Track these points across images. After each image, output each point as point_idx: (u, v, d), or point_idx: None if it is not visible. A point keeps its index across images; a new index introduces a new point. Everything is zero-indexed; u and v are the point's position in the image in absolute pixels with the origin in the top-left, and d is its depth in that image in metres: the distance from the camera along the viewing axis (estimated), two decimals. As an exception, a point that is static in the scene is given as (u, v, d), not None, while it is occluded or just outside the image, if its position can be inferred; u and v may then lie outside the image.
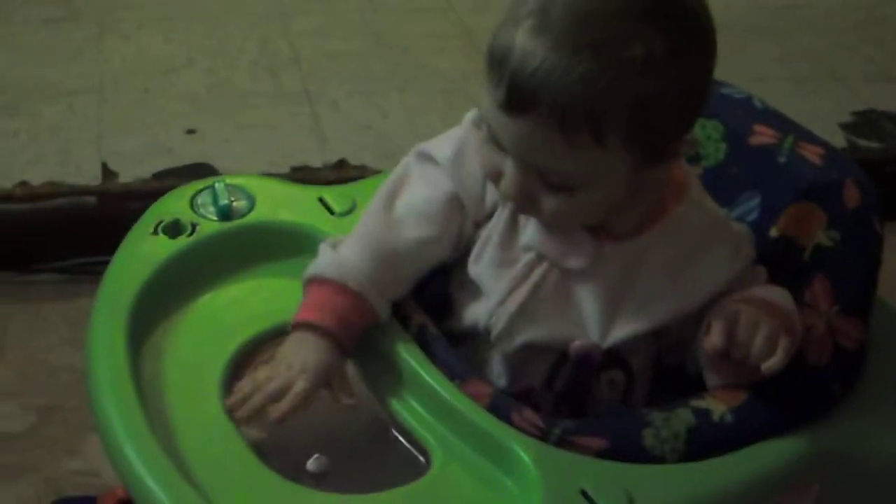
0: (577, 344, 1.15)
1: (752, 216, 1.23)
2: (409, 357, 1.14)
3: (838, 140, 2.35)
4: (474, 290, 1.19)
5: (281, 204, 1.31)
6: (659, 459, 1.07)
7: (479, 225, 1.19)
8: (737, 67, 2.55)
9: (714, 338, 1.06)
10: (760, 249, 1.20)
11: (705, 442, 1.08)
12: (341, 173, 2.15)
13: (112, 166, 2.14)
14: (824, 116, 2.41)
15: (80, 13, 2.68)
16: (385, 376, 1.16)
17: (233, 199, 1.30)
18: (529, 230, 1.15)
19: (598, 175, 1.06)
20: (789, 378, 1.11)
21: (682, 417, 1.08)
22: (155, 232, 1.26)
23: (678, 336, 1.15)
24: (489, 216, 1.18)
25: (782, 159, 1.22)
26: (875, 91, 2.54)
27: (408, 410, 1.13)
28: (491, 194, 1.17)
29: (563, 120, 1.01)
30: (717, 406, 1.10)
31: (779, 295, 1.13)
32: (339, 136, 2.29)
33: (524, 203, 1.09)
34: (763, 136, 1.25)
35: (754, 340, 1.06)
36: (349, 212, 1.29)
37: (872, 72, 2.64)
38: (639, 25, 1.01)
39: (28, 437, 1.75)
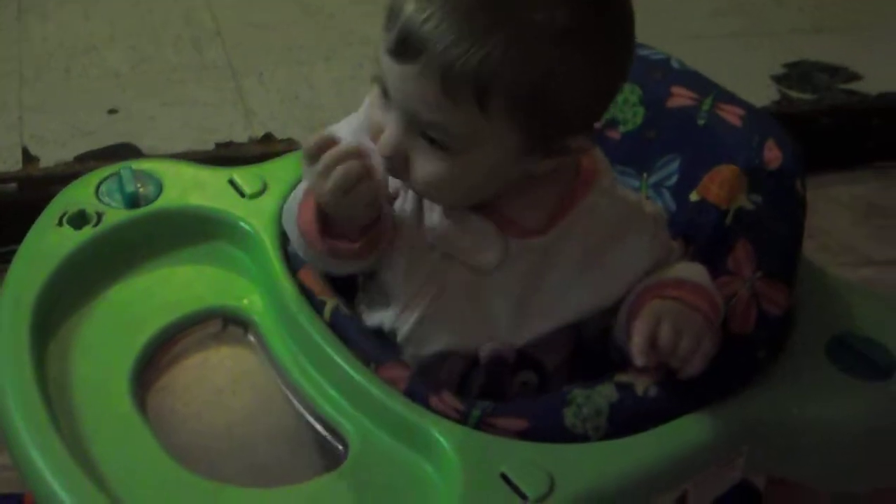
0: (488, 346, 1.11)
1: (672, 181, 1.20)
2: (324, 342, 1.11)
3: (771, 93, 2.33)
4: (379, 291, 1.15)
5: (190, 188, 1.27)
6: (581, 438, 1.04)
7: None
8: (667, 26, 2.56)
9: (635, 348, 1.03)
10: (681, 215, 1.17)
11: (629, 418, 1.05)
12: (267, 148, 2.13)
13: (33, 151, 2.10)
14: (757, 70, 2.41)
15: (-4, -5, 2.63)
16: (301, 363, 1.12)
17: (139, 185, 1.26)
18: (434, 228, 1.11)
19: (477, 142, 1.02)
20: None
21: (605, 393, 1.05)
22: (59, 223, 1.22)
23: (600, 327, 1.12)
24: (393, 198, 1.14)
25: (701, 121, 1.20)
26: (806, 42, 2.54)
27: (324, 397, 1.09)
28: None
29: (448, 74, 0.98)
30: (641, 380, 1.07)
31: (696, 273, 1.10)
32: (265, 110, 2.25)
33: (398, 162, 1.05)
34: (681, 97, 1.22)
35: (678, 347, 1.02)
36: (260, 193, 1.25)
37: (803, 23, 2.63)
38: None
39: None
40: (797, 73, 2.42)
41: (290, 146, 2.08)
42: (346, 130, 1.14)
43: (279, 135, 2.18)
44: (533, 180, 1.07)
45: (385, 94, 1.04)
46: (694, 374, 1.03)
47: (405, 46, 0.99)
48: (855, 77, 2.42)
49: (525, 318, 1.10)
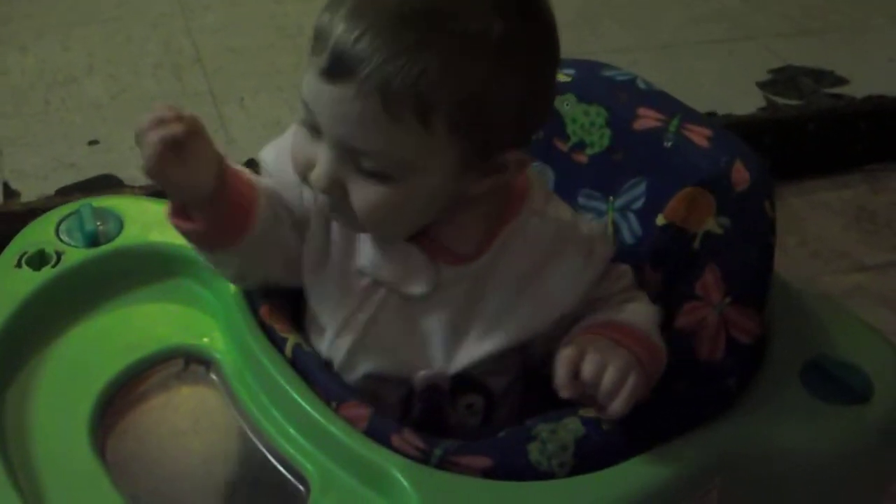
0: (422, 374, 1.08)
1: (638, 204, 1.17)
2: (284, 380, 1.08)
3: (757, 100, 2.31)
4: (313, 319, 1.13)
5: (151, 224, 1.25)
6: (547, 475, 1.01)
7: (300, 229, 1.10)
8: (648, 35, 2.54)
9: (557, 379, 0.99)
10: (648, 239, 1.15)
11: (596, 452, 1.02)
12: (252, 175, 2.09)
13: (14, 185, 2.07)
14: (741, 76, 2.38)
15: (-25, 27, 2.61)
16: (262, 402, 1.10)
17: (99, 223, 1.24)
18: (365, 254, 1.08)
19: (419, 164, 0.98)
20: (682, 377, 1.07)
21: (570, 428, 1.03)
22: (18, 265, 1.20)
23: (543, 351, 1.09)
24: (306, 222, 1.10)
25: (668, 143, 1.17)
26: (790, 47, 2.51)
27: (285, 437, 1.07)
28: (308, 194, 1.09)
29: (387, 91, 0.94)
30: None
31: (642, 315, 1.07)
32: (246, 136, 2.22)
33: (335, 197, 1.01)
34: (648, 119, 1.19)
35: (602, 380, 0.99)
36: (223, 229, 1.23)
37: (786, 27, 2.61)
38: (479, 3, 0.96)
39: None
40: (783, 79, 2.39)
41: (272, 172, 2.06)
42: (271, 156, 1.12)
43: (261, 161, 2.15)
44: (465, 204, 1.04)
45: (313, 129, 1.01)
46: (619, 412, 0.99)
47: (339, 66, 0.95)
48: (841, 81, 2.40)
49: (460, 345, 1.08)
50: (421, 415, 1.10)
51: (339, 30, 0.95)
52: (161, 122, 0.99)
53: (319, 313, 1.11)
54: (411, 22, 0.94)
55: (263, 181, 1.10)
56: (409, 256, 1.07)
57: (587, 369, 0.99)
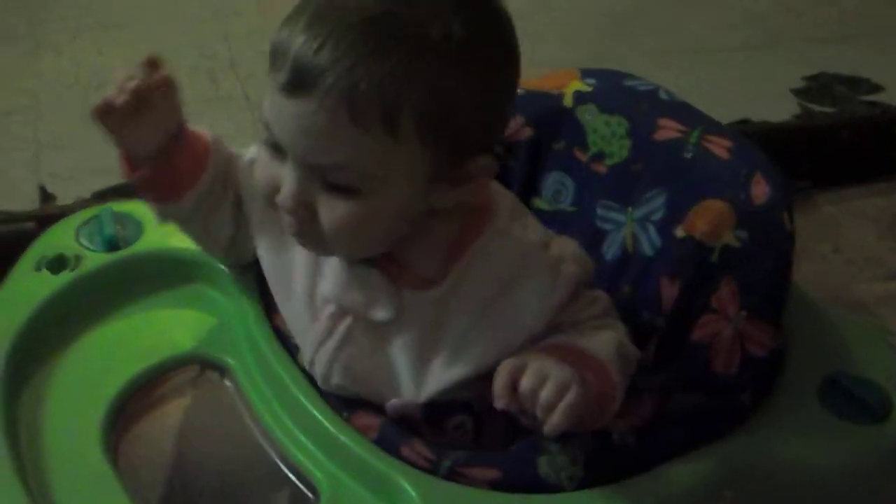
0: (392, 403, 1.07)
1: (658, 215, 1.15)
2: (297, 388, 1.08)
3: (791, 106, 2.29)
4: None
5: (171, 230, 1.24)
6: (556, 488, 1.00)
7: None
8: (681, 40, 2.52)
9: (495, 389, 0.96)
10: (667, 251, 1.14)
11: (606, 466, 1.01)
12: None
13: (50, 188, 2.08)
14: (775, 83, 2.35)
15: (13, 30, 2.62)
16: (275, 410, 1.10)
17: (119, 227, 1.25)
18: (328, 280, 1.07)
19: (387, 176, 0.97)
20: (697, 390, 1.07)
21: (581, 441, 1.02)
22: (37, 268, 1.21)
23: None
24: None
25: (688, 154, 1.15)
26: (825, 53, 2.47)
27: (297, 445, 1.07)
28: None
29: (352, 100, 0.93)
30: (619, 425, 1.03)
31: (605, 344, 1.03)
32: (282, 140, 2.22)
33: (302, 217, 0.99)
34: (668, 130, 1.18)
35: (539, 393, 0.95)
36: (242, 234, 1.23)
37: (820, 34, 2.57)
38: (437, 5, 0.95)
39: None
40: (817, 86, 2.36)
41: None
42: (251, 154, 1.12)
43: (298, 165, 2.15)
44: (429, 223, 1.03)
45: (277, 150, 0.99)
46: (555, 428, 0.94)
47: (300, 80, 0.94)
48: (876, 88, 2.36)
49: (427, 372, 1.05)
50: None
51: (299, 42, 0.94)
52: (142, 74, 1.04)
53: (295, 335, 1.11)
54: (372, 29, 0.93)
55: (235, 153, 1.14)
56: (371, 282, 1.05)
57: (525, 382, 0.95)
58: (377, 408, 1.08)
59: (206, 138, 1.12)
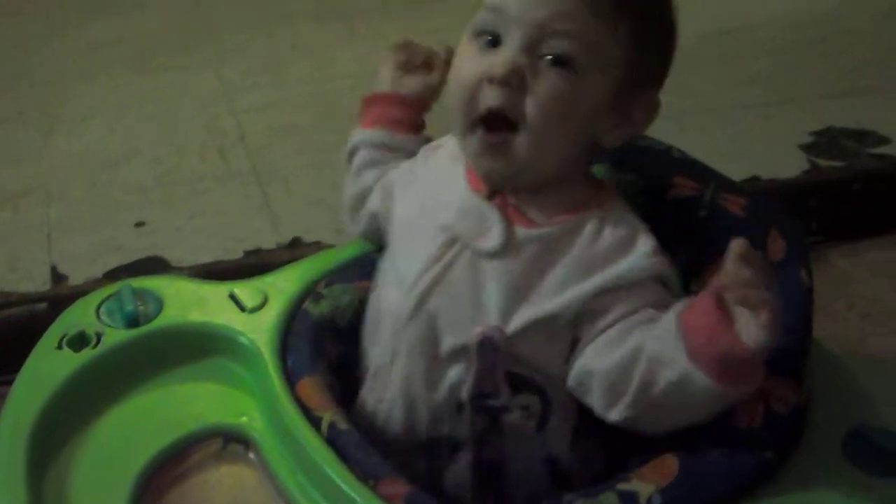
0: (479, 329, 1.10)
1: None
2: (321, 459, 1.08)
3: (800, 162, 2.30)
4: (394, 269, 1.20)
5: (190, 304, 1.26)
6: (588, 552, 1.00)
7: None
8: (686, 100, 2.53)
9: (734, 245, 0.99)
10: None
11: (636, 530, 1.01)
12: (296, 253, 2.07)
13: (62, 269, 2.09)
14: (783, 140, 2.36)
15: (24, 112, 2.64)
16: (300, 481, 1.10)
17: (140, 303, 1.25)
18: (447, 211, 1.15)
19: (600, 57, 1.08)
20: (719, 448, 1.06)
21: (607, 503, 1.02)
22: (59, 346, 1.22)
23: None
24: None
25: (703, 212, 1.17)
26: (831, 108, 2.49)
27: (323, 516, 1.07)
28: None
29: None
30: (645, 487, 1.03)
31: None
32: (291, 215, 2.23)
33: (515, 83, 1.07)
34: (683, 188, 1.20)
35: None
36: (260, 306, 1.25)
37: (825, 89, 2.59)
38: None
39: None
40: (825, 141, 2.37)
41: (318, 249, 2.05)
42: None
43: (307, 238, 2.15)
44: (559, 180, 1.13)
45: (491, 39, 1.10)
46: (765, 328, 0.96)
47: None
48: (883, 140, 2.37)
49: (517, 306, 1.10)
50: (474, 387, 1.11)
51: None
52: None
53: (401, 264, 1.18)
54: None
55: None
56: (486, 214, 1.13)
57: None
58: (401, 475, 1.08)
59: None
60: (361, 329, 1.23)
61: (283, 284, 1.27)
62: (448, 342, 1.12)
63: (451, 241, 1.14)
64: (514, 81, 1.07)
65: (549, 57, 1.07)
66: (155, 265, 2.07)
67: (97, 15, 3.15)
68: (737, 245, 0.98)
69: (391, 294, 1.18)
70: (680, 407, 1.03)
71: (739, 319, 0.97)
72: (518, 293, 1.10)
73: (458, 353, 1.11)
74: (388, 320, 1.17)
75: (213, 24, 3.09)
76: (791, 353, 1.09)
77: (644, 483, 1.03)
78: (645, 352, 1.03)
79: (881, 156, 2.32)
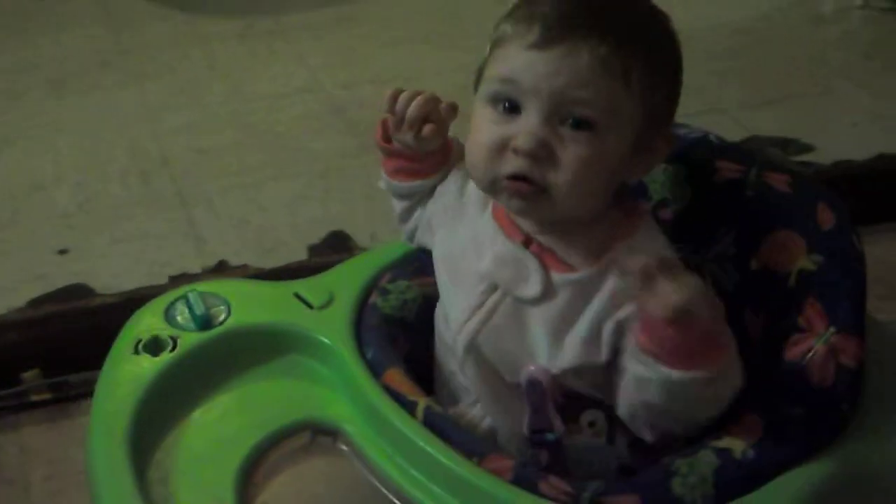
0: (527, 369, 1.15)
1: (731, 252, 1.24)
2: (423, 441, 1.12)
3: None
4: (444, 314, 1.23)
5: (256, 305, 1.29)
6: (691, 506, 1.07)
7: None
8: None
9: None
10: (746, 284, 1.22)
11: (732, 481, 1.07)
12: (221, 276, 2.07)
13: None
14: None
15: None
16: (399, 464, 1.14)
17: (209, 306, 1.27)
18: (486, 259, 1.18)
19: (618, 115, 1.10)
20: (799, 403, 1.13)
21: (706, 460, 1.08)
22: (136, 351, 1.23)
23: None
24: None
25: (750, 192, 1.24)
26: (756, 116, 2.58)
27: (429, 496, 1.11)
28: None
29: (601, 41, 1.08)
30: (736, 443, 1.10)
31: None
32: (216, 237, 2.22)
33: (543, 154, 1.10)
34: (727, 171, 1.26)
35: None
36: (328, 304, 1.28)
37: (749, 98, 2.68)
38: None
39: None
40: (752, 149, 2.45)
41: (245, 272, 2.05)
42: None
43: (233, 261, 2.14)
44: (587, 221, 1.15)
45: (511, 107, 1.12)
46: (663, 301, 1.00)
47: (551, 35, 1.09)
48: (807, 148, 2.45)
49: (561, 349, 1.14)
50: (528, 421, 1.16)
51: (544, 8, 1.11)
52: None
53: (447, 307, 1.22)
54: None
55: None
56: (524, 262, 1.16)
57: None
58: (506, 450, 1.14)
59: (450, 141, 1.29)
60: (434, 336, 1.27)
61: (346, 281, 1.31)
62: (506, 379, 1.17)
63: (492, 289, 1.17)
64: (542, 151, 1.10)
65: (570, 121, 1.10)
66: (80, 293, 2.05)
67: (15, 36, 3.11)
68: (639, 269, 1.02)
69: (444, 332, 1.23)
70: (684, 406, 1.08)
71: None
72: (560, 335, 1.14)
73: (516, 388, 1.16)
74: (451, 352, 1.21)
75: (131, 45, 3.06)
76: (854, 312, 1.17)
77: (733, 440, 1.10)
78: (632, 374, 1.09)
79: (805, 163, 2.38)
